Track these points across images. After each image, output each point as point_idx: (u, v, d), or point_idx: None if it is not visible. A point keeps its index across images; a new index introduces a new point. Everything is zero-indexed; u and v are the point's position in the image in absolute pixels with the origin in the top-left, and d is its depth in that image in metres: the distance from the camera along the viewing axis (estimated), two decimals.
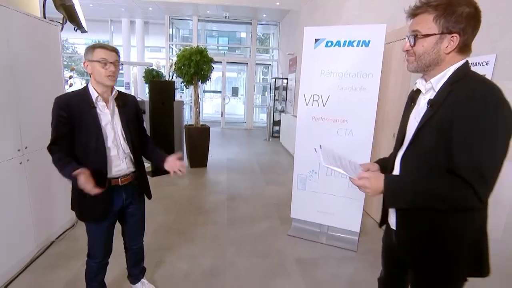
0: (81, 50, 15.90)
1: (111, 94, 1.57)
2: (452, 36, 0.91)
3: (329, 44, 2.57)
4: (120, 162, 1.59)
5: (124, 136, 1.59)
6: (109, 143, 1.53)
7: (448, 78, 0.95)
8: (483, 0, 1.87)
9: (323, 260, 2.51)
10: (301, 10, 7.08)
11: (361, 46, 2.46)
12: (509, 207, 1.74)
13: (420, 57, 0.98)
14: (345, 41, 2.51)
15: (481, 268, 1.01)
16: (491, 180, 0.86)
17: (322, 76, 2.63)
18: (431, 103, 0.97)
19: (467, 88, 0.89)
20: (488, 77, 1.82)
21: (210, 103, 13.90)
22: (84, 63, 1.48)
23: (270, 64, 11.72)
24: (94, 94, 1.50)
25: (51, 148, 1.44)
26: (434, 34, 0.93)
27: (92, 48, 1.47)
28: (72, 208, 1.60)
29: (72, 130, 1.45)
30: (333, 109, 2.63)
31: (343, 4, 4.40)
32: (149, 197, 1.82)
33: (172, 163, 1.65)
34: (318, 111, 2.69)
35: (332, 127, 2.65)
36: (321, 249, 2.69)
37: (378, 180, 1.00)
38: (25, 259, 2.22)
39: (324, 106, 2.66)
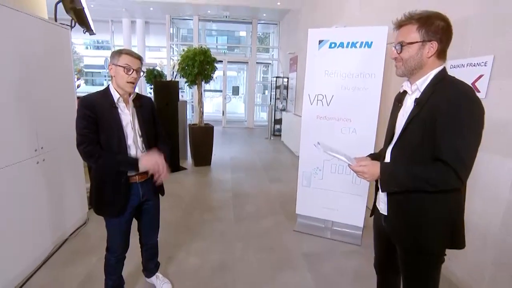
0: (80, 50, 15.97)
1: (130, 96, 1.65)
2: (431, 43, 1.09)
3: (333, 45, 2.65)
4: None
5: (140, 135, 1.67)
6: (129, 142, 1.61)
7: (431, 80, 1.13)
8: (481, 2, 1.95)
9: (328, 254, 2.60)
10: (301, 10, 7.14)
11: (364, 47, 2.54)
12: (506, 204, 1.82)
13: (407, 61, 1.15)
14: (348, 43, 2.60)
15: (459, 242, 1.18)
16: (470, 164, 1.04)
17: (326, 77, 2.71)
18: (417, 101, 1.14)
19: (447, 91, 1.06)
20: (487, 76, 1.92)
21: (210, 103, 13.94)
22: (109, 65, 1.56)
23: (270, 63, 11.78)
24: (115, 96, 1.58)
25: (89, 150, 1.49)
26: (417, 41, 1.11)
27: (119, 53, 1.54)
28: (90, 203, 1.67)
29: (97, 129, 1.53)
30: (337, 109, 2.72)
31: (344, 4, 4.47)
32: (162, 193, 1.90)
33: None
34: (322, 111, 2.78)
35: (336, 126, 2.73)
36: (326, 244, 2.78)
37: (375, 167, 1.17)
38: (42, 256, 2.29)
39: (328, 105, 2.75)
